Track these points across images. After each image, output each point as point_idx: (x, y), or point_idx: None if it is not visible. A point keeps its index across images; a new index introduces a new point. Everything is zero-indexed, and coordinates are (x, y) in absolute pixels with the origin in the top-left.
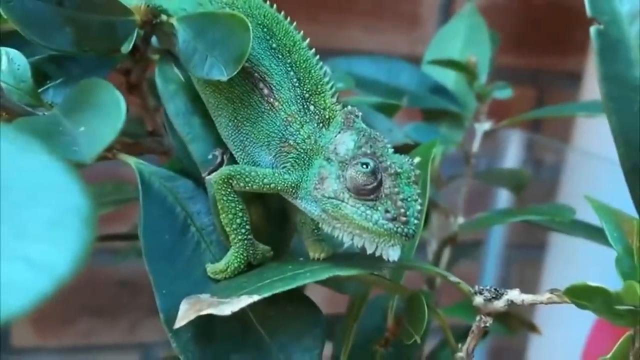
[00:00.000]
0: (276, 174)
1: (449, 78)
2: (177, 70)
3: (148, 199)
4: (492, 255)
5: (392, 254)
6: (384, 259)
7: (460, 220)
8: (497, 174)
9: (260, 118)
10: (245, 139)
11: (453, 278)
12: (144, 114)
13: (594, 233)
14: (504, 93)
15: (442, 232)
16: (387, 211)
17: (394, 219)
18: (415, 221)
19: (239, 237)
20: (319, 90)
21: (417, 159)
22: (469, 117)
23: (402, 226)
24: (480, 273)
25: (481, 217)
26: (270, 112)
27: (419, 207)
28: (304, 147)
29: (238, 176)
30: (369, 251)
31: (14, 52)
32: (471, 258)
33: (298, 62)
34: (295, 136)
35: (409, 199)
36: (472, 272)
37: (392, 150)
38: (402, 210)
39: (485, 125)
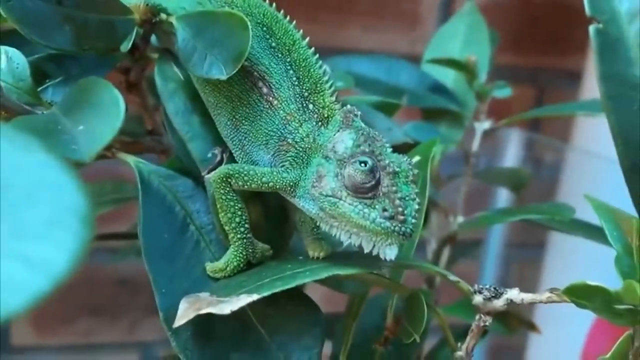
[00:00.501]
0: (275, 173)
1: (448, 77)
2: (177, 69)
3: (147, 198)
4: (492, 254)
5: (389, 252)
6: (382, 258)
7: (460, 219)
8: (497, 173)
9: (259, 117)
10: (244, 137)
11: (452, 277)
12: (143, 113)
13: (594, 232)
14: (503, 92)
15: (441, 231)
16: (384, 210)
17: (391, 218)
18: (413, 220)
19: (238, 235)
20: (318, 89)
21: (416, 158)
22: (469, 116)
23: (399, 225)
24: (480, 272)
25: (481, 216)
26: (269, 111)
27: (416, 207)
28: (302, 145)
29: (237, 175)
30: (366, 250)
31: (13, 51)
32: (471, 257)
33: (297, 61)
34: (293, 135)
35: (406, 198)
36: (471, 271)
37: (391, 149)
38: (400, 209)
39: (484, 124)
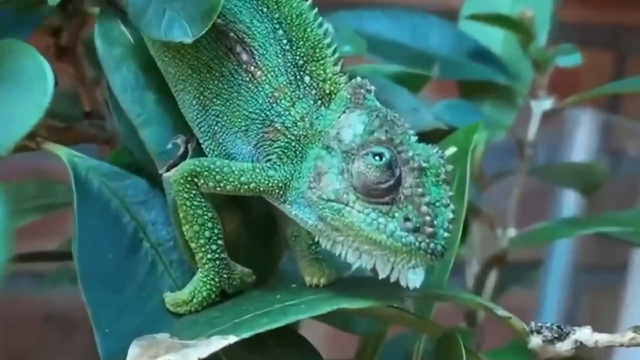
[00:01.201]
0: (257, 170)
1: (495, 39)
2: (125, 29)
3: (85, 205)
4: (555, 280)
5: (414, 278)
6: (403, 286)
7: (511, 232)
8: (561, 169)
9: (236, 93)
10: (215, 122)
11: (501, 312)
12: (79, 88)
13: None
14: (570, 59)
15: (486, 248)
16: (406, 219)
17: (416, 230)
18: (446, 234)
19: (208, 255)
20: (317, 55)
21: (450, 150)
22: (523, 92)
23: (427, 240)
24: (539, 304)
25: (539, 229)
26: (250, 85)
27: (450, 215)
28: (295, 132)
29: (206, 173)
30: (382, 274)
31: None
32: (526, 284)
33: (289, 18)
34: (283, 118)
35: (437, 204)
36: (527, 303)
37: (416, 137)
38: (428, 219)
39: (545, 104)
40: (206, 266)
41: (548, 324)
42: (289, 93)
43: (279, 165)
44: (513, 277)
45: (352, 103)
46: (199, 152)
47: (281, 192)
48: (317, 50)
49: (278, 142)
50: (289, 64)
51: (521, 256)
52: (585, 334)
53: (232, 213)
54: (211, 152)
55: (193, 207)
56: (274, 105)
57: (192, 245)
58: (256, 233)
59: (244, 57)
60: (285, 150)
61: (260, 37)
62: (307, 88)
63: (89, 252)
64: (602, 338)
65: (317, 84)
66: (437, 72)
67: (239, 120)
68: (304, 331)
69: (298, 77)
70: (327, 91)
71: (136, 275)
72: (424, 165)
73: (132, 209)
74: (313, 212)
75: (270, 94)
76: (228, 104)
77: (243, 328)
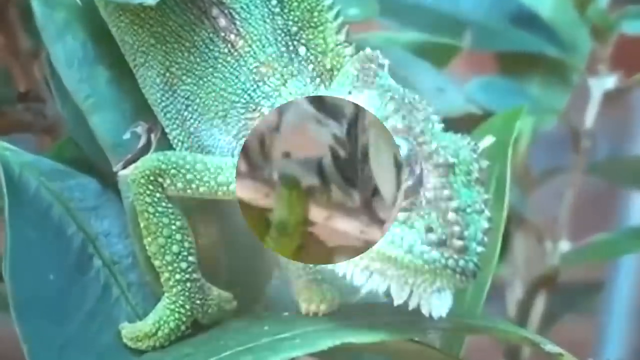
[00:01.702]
0: None
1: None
2: None
3: (19, 211)
4: (620, 305)
5: (439, 305)
6: (425, 314)
7: (564, 246)
8: (628, 165)
9: (211, 69)
10: (185, 106)
11: (551, 347)
12: (12, 63)
13: None
14: (638, 25)
15: (532, 267)
16: (429, 230)
17: (441, 244)
18: (479, 248)
19: (177, 276)
20: (315, 20)
21: (487, 141)
22: (579, 67)
23: (455, 256)
24: (600, 336)
25: (599, 242)
26: (229, 59)
27: (485, 224)
28: None
29: (174, 171)
30: (399, 300)
31: None
32: (583, 311)
33: None
34: (272, 100)
35: (468, 210)
36: (584, 336)
37: (442, 125)
38: (457, 229)
39: (607, 82)
40: (174, 289)
41: None
42: (280, 68)
43: None
44: (566, 302)
45: (360, 81)
46: (165, 144)
47: None
48: (315, 13)
49: None
50: (279, 32)
51: (577, 276)
52: None
53: (206, 222)
54: (180, 143)
55: (157, 214)
56: (260, 84)
57: (157, 263)
58: (237, 247)
59: (222, 22)
60: None
61: None
62: (302, 62)
63: (24, 273)
64: None
65: (315, 57)
66: (469, 42)
67: (216, 103)
68: None
69: (291, 48)
70: (328, 66)
71: (84, 302)
72: (452, 160)
73: (80, 217)
74: None
75: (255, 70)
76: (201, 82)
77: None
